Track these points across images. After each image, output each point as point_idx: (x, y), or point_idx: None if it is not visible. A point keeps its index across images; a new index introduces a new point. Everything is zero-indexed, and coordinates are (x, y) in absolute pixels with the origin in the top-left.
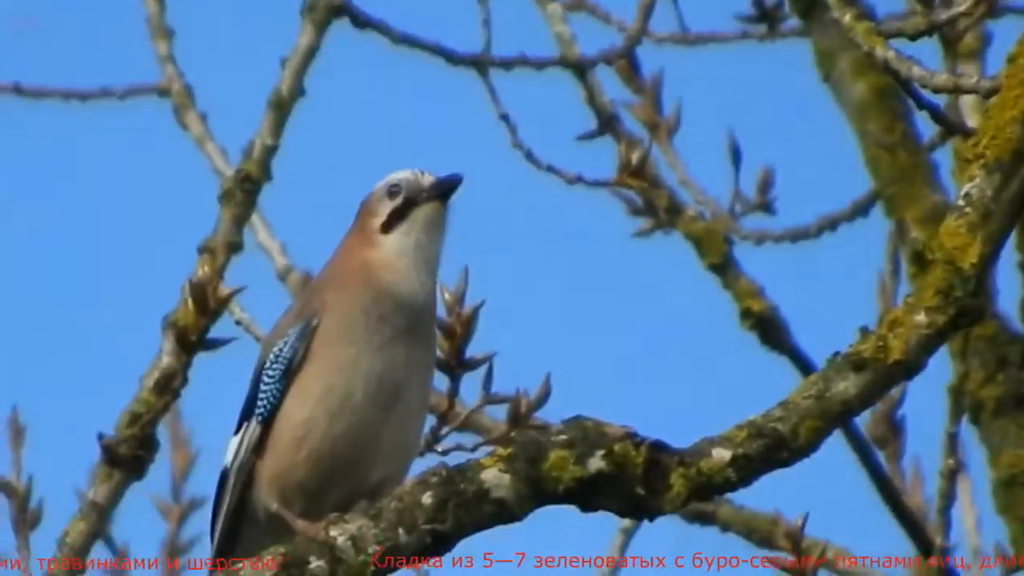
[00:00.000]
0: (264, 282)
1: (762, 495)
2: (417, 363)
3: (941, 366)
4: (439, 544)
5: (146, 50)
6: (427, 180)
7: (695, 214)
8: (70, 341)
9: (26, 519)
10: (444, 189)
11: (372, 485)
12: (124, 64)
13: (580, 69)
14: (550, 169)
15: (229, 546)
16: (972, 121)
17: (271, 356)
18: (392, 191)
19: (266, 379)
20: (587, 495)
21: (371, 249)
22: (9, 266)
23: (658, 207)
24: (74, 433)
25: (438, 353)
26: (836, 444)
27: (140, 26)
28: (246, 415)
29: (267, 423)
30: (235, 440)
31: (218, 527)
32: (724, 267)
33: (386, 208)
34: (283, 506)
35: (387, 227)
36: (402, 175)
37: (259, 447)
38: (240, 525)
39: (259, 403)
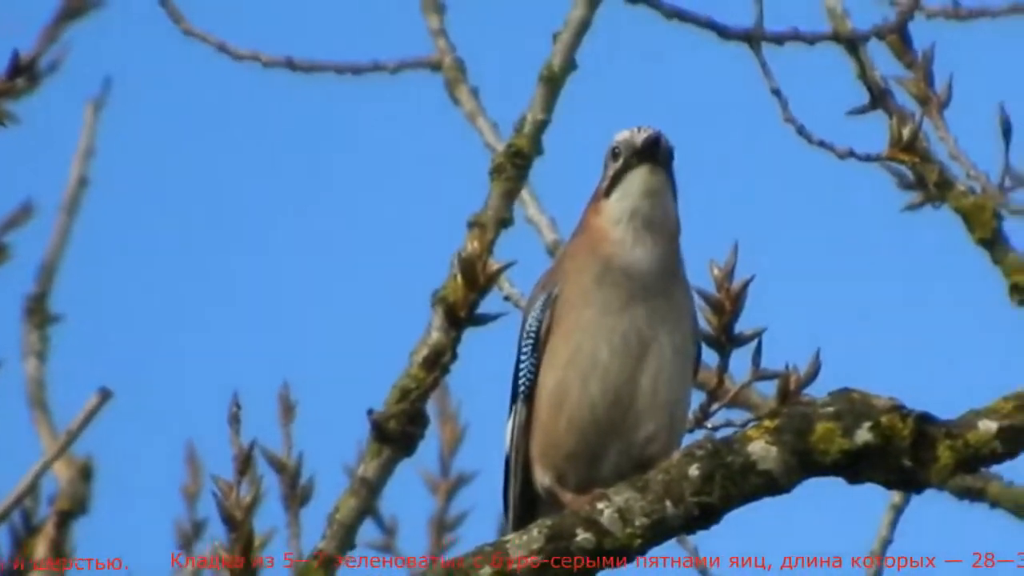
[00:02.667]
0: (534, 257)
1: None
2: (662, 318)
3: None
4: (706, 516)
5: (418, 24)
6: (640, 138)
7: (965, 188)
8: (339, 316)
9: (296, 495)
10: (644, 151)
11: (640, 443)
12: (395, 38)
13: (852, 44)
14: (821, 144)
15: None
16: None
17: (523, 333)
18: (615, 152)
19: (521, 356)
20: (854, 467)
21: (597, 215)
22: (278, 241)
23: (928, 181)
24: (343, 409)
25: (707, 328)
26: None
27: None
28: (513, 397)
29: (529, 400)
30: (508, 425)
31: (509, 514)
32: (994, 242)
33: (610, 171)
34: (556, 480)
35: (608, 191)
36: (621, 136)
37: (527, 426)
38: (534, 506)
39: (519, 381)
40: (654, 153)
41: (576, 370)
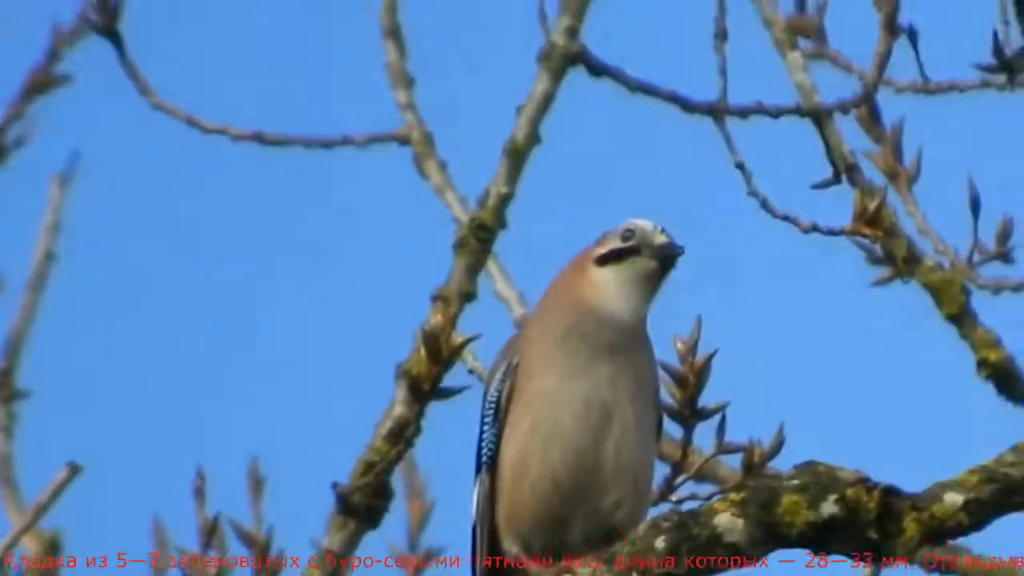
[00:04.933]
0: (501, 331)
1: (1003, 542)
2: (624, 381)
3: None
4: None
5: (386, 98)
6: (659, 239)
7: (934, 264)
8: (305, 390)
9: (267, 569)
10: (666, 256)
11: (607, 510)
12: (364, 112)
13: (817, 117)
14: (786, 218)
15: None
16: None
17: (485, 402)
18: (626, 234)
19: (483, 426)
20: (820, 540)
21: (580, 275)
22: (246, 315)
23: (896, 256)
24: (309, 483)
25: (672, 402)
26: None
27: (381, 73)
28: (477, 467)
29: (493, 469)
30: (473, 495)
31: None
32: (962, 317)
33: (612, 244)
34: (523, 549)
35: (603, 260)
36: (641, 223)
37: (492, 495)
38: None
39: (482, 451)
40: (672, 265)
41: (537, 438)
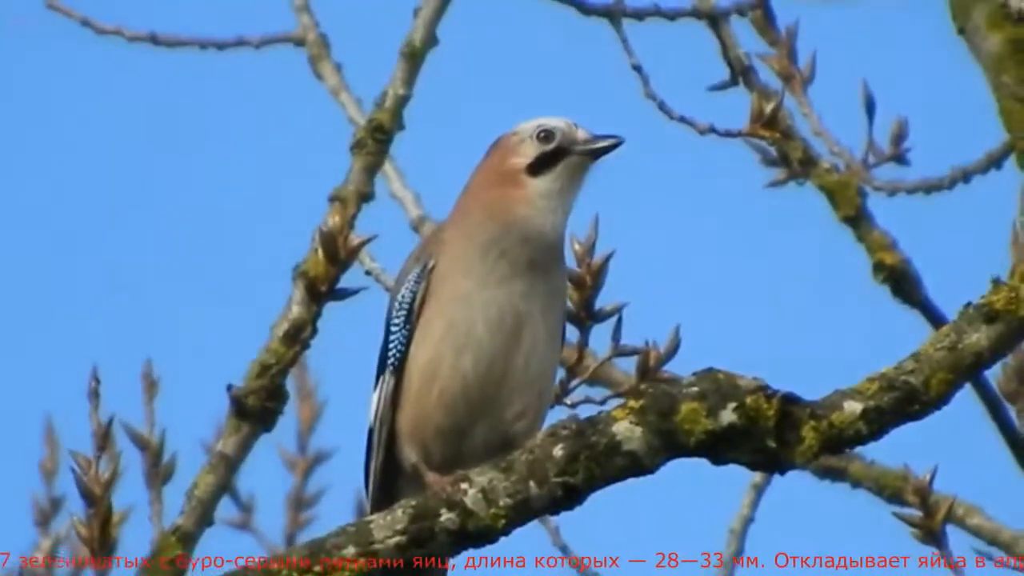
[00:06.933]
0: (398, 232)
1: (895, 450)
2: (538, 296)
3: None
4: (570, 497)
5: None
6: (581, 134)
7: (829, 166)
8: (200, 292)
9: (159, 472)
10: (601, 150)
11: (509, 420)
12: (260, 14)
13: (713, 20)
14: (682, 120)
15: (387, 502)
16: None
17: (395, 304)
18: (543, 135)
19: (392, 327)
20: (718, 448)
21: (513, 188)
22: (142, 216)
23: (792, 158)
24: (205, 385)
25: (568, 304)
26: (967, 400)
27: None
28: (381, 368)
29: (399, 372)
30: (374, 396)
31: (370, 486)
32: (857, 220)
33: (533, 151)
34: (423, 457)
35: (534, 170)
36: (555, 122)
37: (395, 398)
38: (395, 480)
39: (389, 352)
40: (605, 154)
41: (450, 343)
